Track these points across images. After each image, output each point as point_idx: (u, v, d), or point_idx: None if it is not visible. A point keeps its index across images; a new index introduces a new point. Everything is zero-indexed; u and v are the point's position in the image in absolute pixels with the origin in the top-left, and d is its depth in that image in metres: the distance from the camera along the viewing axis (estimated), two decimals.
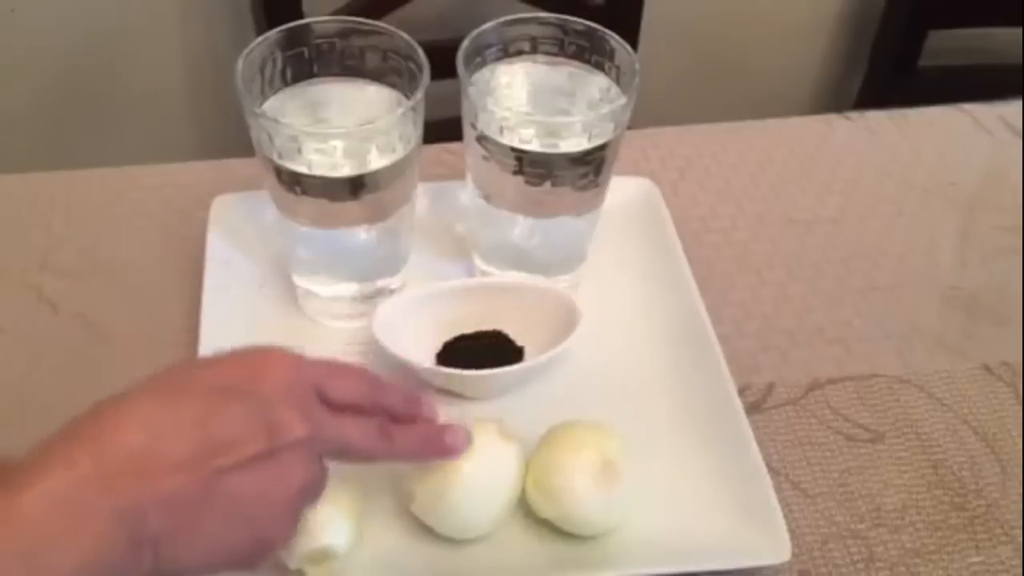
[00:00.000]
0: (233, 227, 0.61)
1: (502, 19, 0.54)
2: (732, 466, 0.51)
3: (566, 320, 0.55)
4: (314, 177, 0.50)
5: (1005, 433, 0.56)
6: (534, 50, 0.55)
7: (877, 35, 1.37)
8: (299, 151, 0.49)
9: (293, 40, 0.51)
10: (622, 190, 0.61)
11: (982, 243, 0.68)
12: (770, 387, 0.58)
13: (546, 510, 0.48)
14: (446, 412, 0.47)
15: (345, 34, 0.52)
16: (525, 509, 0.49)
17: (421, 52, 0.51)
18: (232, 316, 0.57)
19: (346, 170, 0.50)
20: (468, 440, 0.45)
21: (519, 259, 0.59)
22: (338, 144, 0.50)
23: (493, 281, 0.59)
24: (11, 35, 1.22)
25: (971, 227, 0.69)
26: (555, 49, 0.55)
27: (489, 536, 0.48)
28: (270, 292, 0.59)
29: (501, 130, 0.52)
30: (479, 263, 0.61)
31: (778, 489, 0.51)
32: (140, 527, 0.34)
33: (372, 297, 0.58)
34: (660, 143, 0.73)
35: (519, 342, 0.56)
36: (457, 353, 0.56)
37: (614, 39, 0.53)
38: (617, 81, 0.54)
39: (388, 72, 0.53)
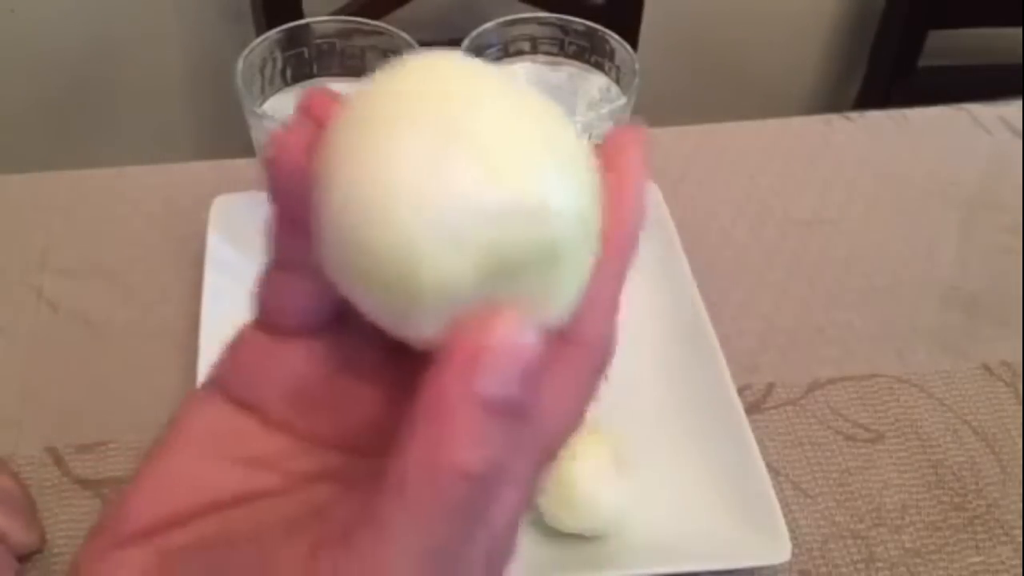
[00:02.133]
0: (233, 227, 0.61)
1: (502, 19, 0.54)
2: (732, 466, 0.51)
3: None
4: None
5: (1005, 433, 0.56)
6: (534, 50, 0.55)
7: (877, 35, 1.37)
8: None
9: (293, 40, 0.51)
10: None
11: (982, 243, 0.68)
12: (770, 387, 0.58)
13: (553, 507, 0.48)
14: None
15: (345, 34, 0.52)
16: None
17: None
18: (232, 316, 0.56)
19: None
20: None
21: None
22: None
23: None
24: (11, 35, 1.22)
25: (971, 227, 0.69)
26: (555, 49, 0.55)
27: None
28: None
29: None
30: None
31: (778, 489, 0.51)
32: None
33: None
34: (660, 143, 0.73)
35: None
36: None
37: (614, 39, 0.53)
38: (617, 81, 0.54)
39: None
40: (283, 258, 0.25)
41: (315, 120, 0.22)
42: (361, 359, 0.26)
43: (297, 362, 0.25)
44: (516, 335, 0.20)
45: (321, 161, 0.21)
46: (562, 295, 0.22)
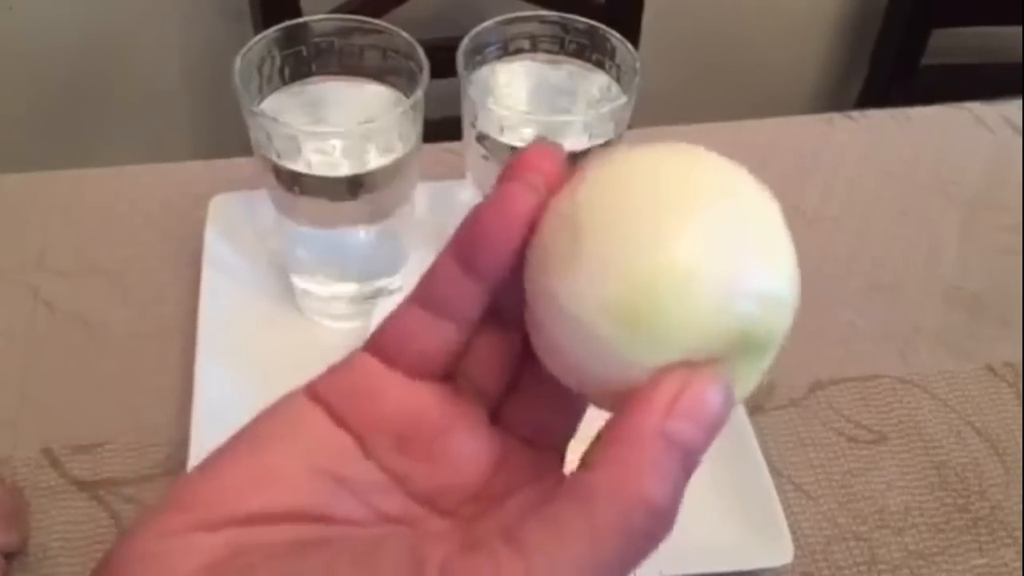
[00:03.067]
0: (231, 227, 0.61)
1: (502, 17, 0.54)
2: (734, 468, 0.51)
3: None
4: (313, 177, 0.49)
5: (1008, 434, 0.56)
6: (534, 48, 0.55)
7: (879, 34, 1.37)
8: (298, 150, 0.49)
9: (291, 38, 0.51)
10: None
11: (984, 243, 0.67)
12: (772, 388, 0.57)
13: None
14: None
15: (344, 32, 0.52)
16: None
17: (421, 51, 0.50)
18: (230, 316, 0.56)
19: (345, 169, 0.50)
20: None
21: None
22: (337, 143, 0.50)
23: None
24: (8, 33, 1.22)
25: (973, 226, 0.68)
26: (555, 48, 0.55)
27: None
28: (268, 292, 0.59)
29: (501, 129, 0.51)
30: None
31: (780, 491, 0.50)
32: None
33: (372, 297, 0.57)
34: (661, 142, 0.72)
35: None
36: None
37: (615, 37, 0.53)
38: (618, 80, 0.54)
39: (387, 71, 0.52)
40: (436, 301, 0.25)
41: (542, 179, 0.24)
42: (466, 418, 0.26)
43: (410, 402, 0.25)
44: (718, 392, 0.22)
45: (569, 214, 0.23)
46: (750, 382, 0.24)
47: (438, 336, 0.25)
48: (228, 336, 0.55)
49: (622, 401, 0.22)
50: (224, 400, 0.52)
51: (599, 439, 0.22)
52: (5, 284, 0.60)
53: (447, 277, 0.25)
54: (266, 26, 0.51)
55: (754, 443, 0.51)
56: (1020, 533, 0.52)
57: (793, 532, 0.48)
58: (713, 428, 0.22)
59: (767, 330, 0.23)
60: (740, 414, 0.52)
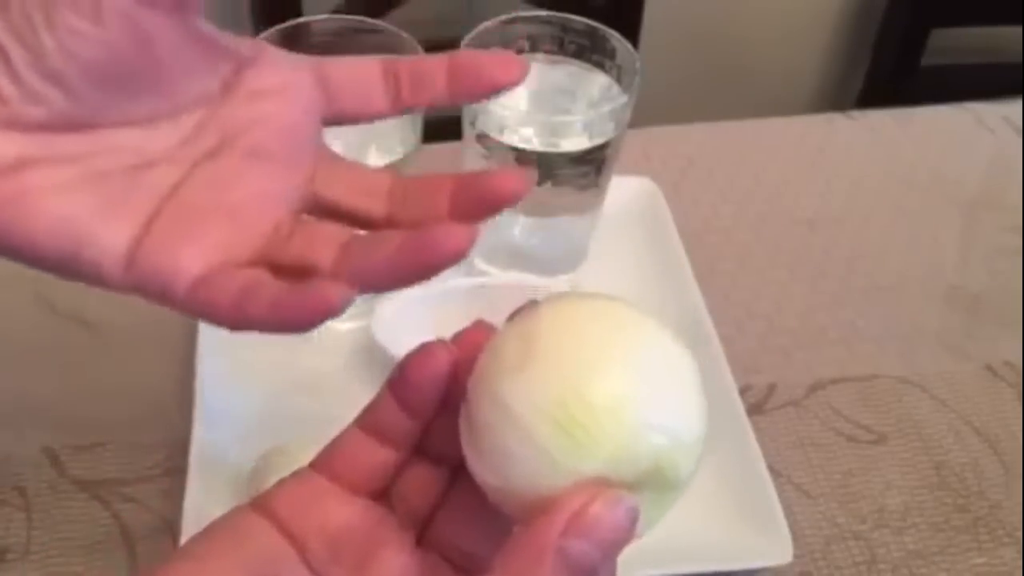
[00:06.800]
0: None
1: (502, 17, 0.54)
2: (733, 467, 0.51)
3: None
4: None
5: (1008, 434, 0.56)
6: (534, 49, 0.55)
7: (879, 33, 1.37)
8: None
9: (292, 39, 0.51)
10: (623, 190, 0.61)
11: (985, 243, 0.67)
12: (772, 388, 0.58)
13: None
14: None
15: (344, 33, 0.52)
16: None
17: (421, 51, 0.50)
18: None
19: None
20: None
21: (519, 259, 0.58)
22: (336, 144, 0.50)
23: (493, 281, 0.59)
24: None
25: (974, 227, 0.68)
26: (555, 48, 0.55)
27: None
28: None
29: (501, 129, 0.51)
30: (479, 263, 0.60)
31: (780, 490, 0.50)
32: None
33: (372, 297, 0.57)
34: (661, 142, 0.72)
35: None
36: None
37: (615, 37, 0.53)
38: (618, 80, 0.54)
39: None
40: (376, 428, 0.29)
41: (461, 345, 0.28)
42: (396, 535, 0.29)
43: (345, 515, 0.28)
44: (620, 510, 0.24)
45: (526, 333, 0.27)
46: (652, 520, 0.27)
47: (375, 458, 0.29)
48: (228, 336, 0.55)
49: (536, 512, 0.25)
50: (224, 400, 0.52)
51: (506, 546, 0.24)
52: (6, 285, 0.60)
53: (386, 409, 0.29)
54: (266, 26, 0.51)
55: (753, 443, 0.51)
56: (1020, 533, 0.52)
57: (793, 532, 0.48)
58: (610, 548, 0.24)
59: (674, 467, 0.26)
60: (740, 414, 0.52)
